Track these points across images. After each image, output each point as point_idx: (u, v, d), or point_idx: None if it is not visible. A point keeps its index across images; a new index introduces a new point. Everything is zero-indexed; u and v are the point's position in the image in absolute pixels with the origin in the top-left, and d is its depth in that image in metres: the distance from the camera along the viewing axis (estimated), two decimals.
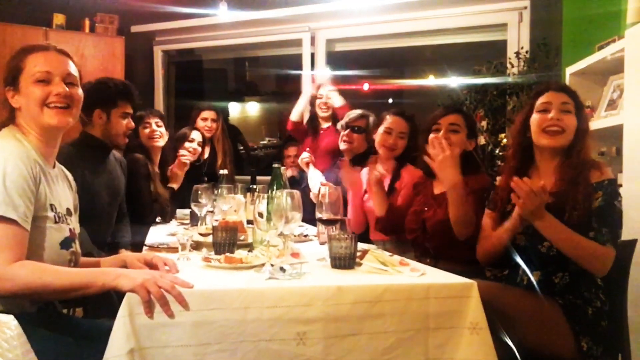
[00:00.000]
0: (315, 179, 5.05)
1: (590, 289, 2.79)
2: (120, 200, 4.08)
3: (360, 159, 4.73)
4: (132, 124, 3.98)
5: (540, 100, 3.02)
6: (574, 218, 2.74)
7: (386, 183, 4.12)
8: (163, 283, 2.05)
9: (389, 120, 4.25)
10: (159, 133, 5.02)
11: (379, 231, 4.04)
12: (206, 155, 6.01)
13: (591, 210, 2.75)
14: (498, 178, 3.43)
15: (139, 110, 5.03)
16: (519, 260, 2.92)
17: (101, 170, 3.89)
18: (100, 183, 3.82)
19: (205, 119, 5.99)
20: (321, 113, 5.89)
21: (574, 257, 2.73)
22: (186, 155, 5.20)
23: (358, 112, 5.02)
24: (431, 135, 3.49)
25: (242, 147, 6.90)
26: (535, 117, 3.00)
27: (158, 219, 4.83)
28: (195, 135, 5.65)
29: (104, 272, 2.17)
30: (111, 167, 4.02)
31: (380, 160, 4.26)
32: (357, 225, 4.30)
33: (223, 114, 6.61)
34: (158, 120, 5.10)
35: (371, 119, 4.94)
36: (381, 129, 4.26)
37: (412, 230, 3.64)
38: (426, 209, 3.58)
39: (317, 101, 5.91)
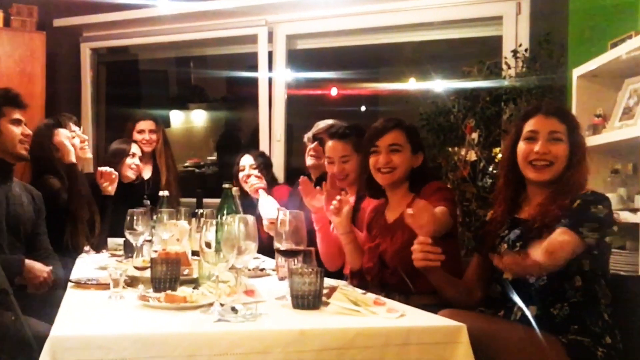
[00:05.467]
0: (268, 207, 4.90)
1: (597, 323, 2.83)
2: (25, 233, 4.17)
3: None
4: (28, 131, 4.09)
5: (528, 126, 3.10)
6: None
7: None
8: None
9: (327, 146, 4.32)
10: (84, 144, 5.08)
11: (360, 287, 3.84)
12: (147, 173, 5.99)
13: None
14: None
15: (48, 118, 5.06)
16: (514, 296, 2.96)
17: None
18: None
19: (142, 131, 5.94)
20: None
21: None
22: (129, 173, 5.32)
23: (328, 122, 4.90)
24: (371, 160, 3.58)
25: None
26: (521, 147, 3.10)
27: (87, 248, 4.80)
28: (136, 149, 5.65)
29: None
30: (12, 195, 4.12)
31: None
32: (329, 260, 4.21)
33: (164, 124, 6.60)
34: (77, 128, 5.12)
35: None
36: None
37: (369, 270, 3.65)
38: (381, 242, 3.62)
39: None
